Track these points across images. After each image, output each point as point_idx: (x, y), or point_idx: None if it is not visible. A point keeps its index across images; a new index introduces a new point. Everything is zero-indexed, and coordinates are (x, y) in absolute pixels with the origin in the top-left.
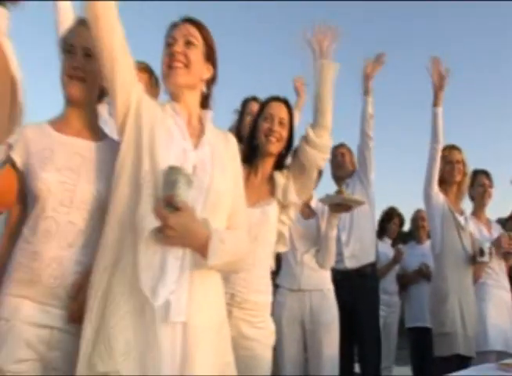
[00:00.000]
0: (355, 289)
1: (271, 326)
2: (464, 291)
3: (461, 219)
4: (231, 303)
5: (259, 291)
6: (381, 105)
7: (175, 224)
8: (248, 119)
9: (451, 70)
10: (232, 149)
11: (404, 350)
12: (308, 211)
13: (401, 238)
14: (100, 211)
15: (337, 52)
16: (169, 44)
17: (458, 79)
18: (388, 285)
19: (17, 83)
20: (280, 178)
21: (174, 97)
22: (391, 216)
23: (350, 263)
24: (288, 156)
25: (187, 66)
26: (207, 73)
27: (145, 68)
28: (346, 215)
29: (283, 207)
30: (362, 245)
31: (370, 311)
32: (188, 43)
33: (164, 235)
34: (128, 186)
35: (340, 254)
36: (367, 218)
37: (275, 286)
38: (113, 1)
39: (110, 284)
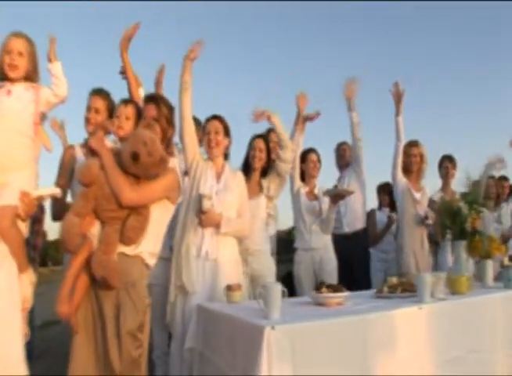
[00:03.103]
0: (352, 247)
1: (271, 262)
2: (416, 243)
3: (417, 195)
4: (246, 253)
5: (260, 243)
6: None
7: (204, 219)
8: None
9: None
10: (238, 179)
11: None
12: (312, 196)
13: None
14: None
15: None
16: (207, 133)
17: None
18: (385, 246)
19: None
20: (264, 182)
21: (210, 159)
22: (379, 189)
23: (348, 228)
24: (268, 169)
25: (217, 145)
26: (226, 143)
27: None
28: None
29: (269, 198)
30: (355, 215)
31: (362, 261)
32: (216, 133)
33: (201, 224)
34: (187, 202)
35: (340, 222)
36: (359, 196)
37: (294, 249)
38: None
39: (181, 244)
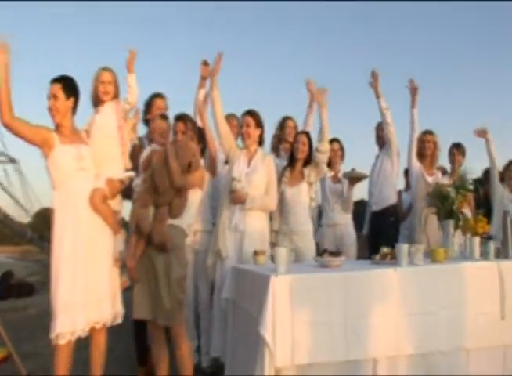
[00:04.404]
0: (380, 222)
1: (312, 240)
2: (426, 220)
3: (429, 179)
4: (291, 233)
5: (303, 223)
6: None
7: (233, 197)
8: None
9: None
10: (267, 162)
11: None
12: (336, 179)
13: None
14: None
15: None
16: (241, 126)
17: None
18: (409, 223)
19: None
20: (306, 171)
21: (244, 147)
22: (406, 172)
23: (375, 207)
24: (310, 159)
25: (249, 137)
26: (258, 133)
27: (234, 116)
28: (374, 175)
29: (310, 184)
30: (383, 194)
31: (389, 234)
32: (248, 126)
33: (231, 201)
34: (225, 183)
35: (370, 201)
36: (389, 175)
37: (320, 225)
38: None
39: (220, 216)
